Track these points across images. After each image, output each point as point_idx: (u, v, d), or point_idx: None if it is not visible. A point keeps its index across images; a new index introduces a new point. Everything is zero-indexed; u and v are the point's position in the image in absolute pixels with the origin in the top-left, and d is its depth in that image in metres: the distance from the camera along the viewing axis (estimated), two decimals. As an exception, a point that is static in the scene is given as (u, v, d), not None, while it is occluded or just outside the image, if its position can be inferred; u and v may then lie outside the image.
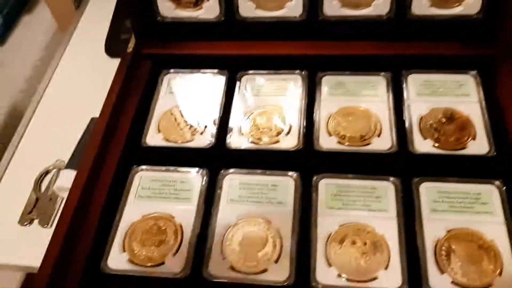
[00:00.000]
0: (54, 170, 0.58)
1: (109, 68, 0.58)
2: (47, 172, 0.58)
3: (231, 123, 0.52)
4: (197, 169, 0.48)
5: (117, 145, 0.51)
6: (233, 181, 0.47)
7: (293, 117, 0.51)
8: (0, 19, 0.80)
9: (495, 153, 0.45)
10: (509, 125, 0.47)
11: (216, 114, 0.53)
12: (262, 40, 0.55)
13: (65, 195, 0.53)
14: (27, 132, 0.63)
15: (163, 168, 0.49)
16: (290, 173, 0.46)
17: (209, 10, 0.54)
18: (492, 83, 0.50)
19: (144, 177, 0.48)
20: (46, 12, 0.86)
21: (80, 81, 0.69)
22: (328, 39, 0.54)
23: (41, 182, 0.57)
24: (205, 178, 0.47)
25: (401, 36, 0.52)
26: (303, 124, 0.50)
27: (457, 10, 0.50)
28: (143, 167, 0.49)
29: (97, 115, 0.53)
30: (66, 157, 0.58)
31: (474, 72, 0.52)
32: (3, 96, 0.76)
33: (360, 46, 0.54)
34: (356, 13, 0.52)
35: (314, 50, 0.54)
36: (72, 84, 0.69)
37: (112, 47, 0.69)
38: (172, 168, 0.49)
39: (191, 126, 0.52)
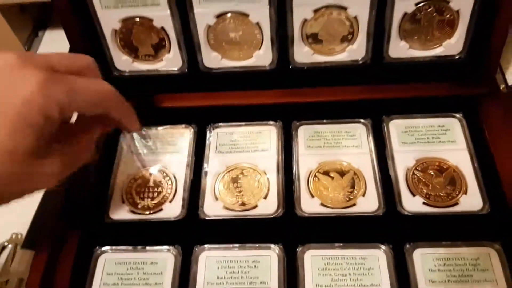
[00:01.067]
0: (11, 246, 0.52)
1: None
2: (2, 248, 0.52)
3: (203, 187, 0.47)
4: (167, 247, 0.43)
5: (78, 221, 0.46)
6: (209, 259, 0.42)
7: (271, 176, 0.47)
8: None
9: (489, 210, 0.42)
10: (502, 175, 0.44)
11: (185, 176, 0.48)
12: (230, 90, 0.51)
13: (24, 276, 0.48)
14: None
15: (130, 247, 0.44)
16: (272, 246, 0.42)
17: (171, 62, 0.49)
18: (479, 126, 0.47)
19: (108, 260, 0.43)
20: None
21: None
22: (302, 87, 0.50)
23: (-3, 261, 0.52)
24: (177, 257, 0.43)
25: (379, 80, 0.49)
26: (282, 183, 0.46)
27: (438, 51, 0.47)
28: (107, 247, 0.44)
29: (54, 181, 0.47)
30: (23, 228, 0.52)
31: (459, 115, 0.48)
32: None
33: (336, 92, 0.50)
34: (329, 59, 0.48)
35: (287, 98, 0.50)
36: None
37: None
38: (139, 247, 0.44)
39: (158, 193, 0.47)
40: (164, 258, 0.43)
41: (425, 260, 0.40)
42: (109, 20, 0.46)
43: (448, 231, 0.42)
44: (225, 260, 0.42)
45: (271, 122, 0.51)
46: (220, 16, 0.45)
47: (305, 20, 0.45)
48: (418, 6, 0.43)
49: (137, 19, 0.45)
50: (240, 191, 0.46)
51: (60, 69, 0.33)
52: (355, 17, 0.44)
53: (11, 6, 0.68)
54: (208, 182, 0.47)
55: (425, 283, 0.39)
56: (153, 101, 0.52)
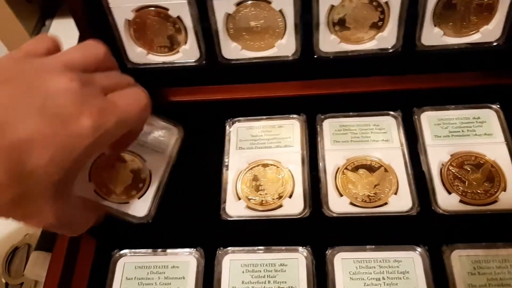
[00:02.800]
0: (24, 247, 0.50)
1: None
2: (15, 250, 0.51)
3: (224, 185, 0.44)
4: (189, 249, 0.41)
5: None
6: (233, 263, 0.40)
7: (295, 173, 0.44)
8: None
9: (531, 207, 0.40)
10: (544, 170, 0.41)
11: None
12: (251, 83, 0.48)
13: (39, 279, 0.46)
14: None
15: (149, 250, 0.42)
16: (300, 248, 0.40)
17: (188, 54, 0.46)
18: (517, 117, 0.44)
19: (128, 264, 0.41)
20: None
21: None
22: (327, 78, 0.47)
23: (10, 263, 0.50)
24: (200, 260, 0.40)
25: (410, 70, 0.46)
26: (308, 181, 0.43)
27: (474, 38, 0.43)
28: (126, 250, 0.42)
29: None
30: (36, 229, 0.50)
31: (496, 106, 0.45)
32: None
33: (363, 83, 0.47)
34: (357, 48, 0.45)
35: (311, 90, 0.48)
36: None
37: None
38: (159, 250, 0.42)
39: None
40: (186, 261, 0.41)
41: (463, 262, 0.38)
42: (122, 10, 0.43)
43: (487, 231, 0.39)
44: (251, 264, 0.40)
45: (294, 116, 0.48)
46: (240, 3, 0.42)
47: (332, 6, 0.42)
48: (455, -11, 0.40)
49: (152, 9, 0.43)
50: (263, 190, 0.44)
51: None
52: (386, 2, 0.41)
53: (17, -5, 0.66)
54: (229, 180, 0.45)
55: (464, 287, 0.37)
56: (169, 94, 0.49)
